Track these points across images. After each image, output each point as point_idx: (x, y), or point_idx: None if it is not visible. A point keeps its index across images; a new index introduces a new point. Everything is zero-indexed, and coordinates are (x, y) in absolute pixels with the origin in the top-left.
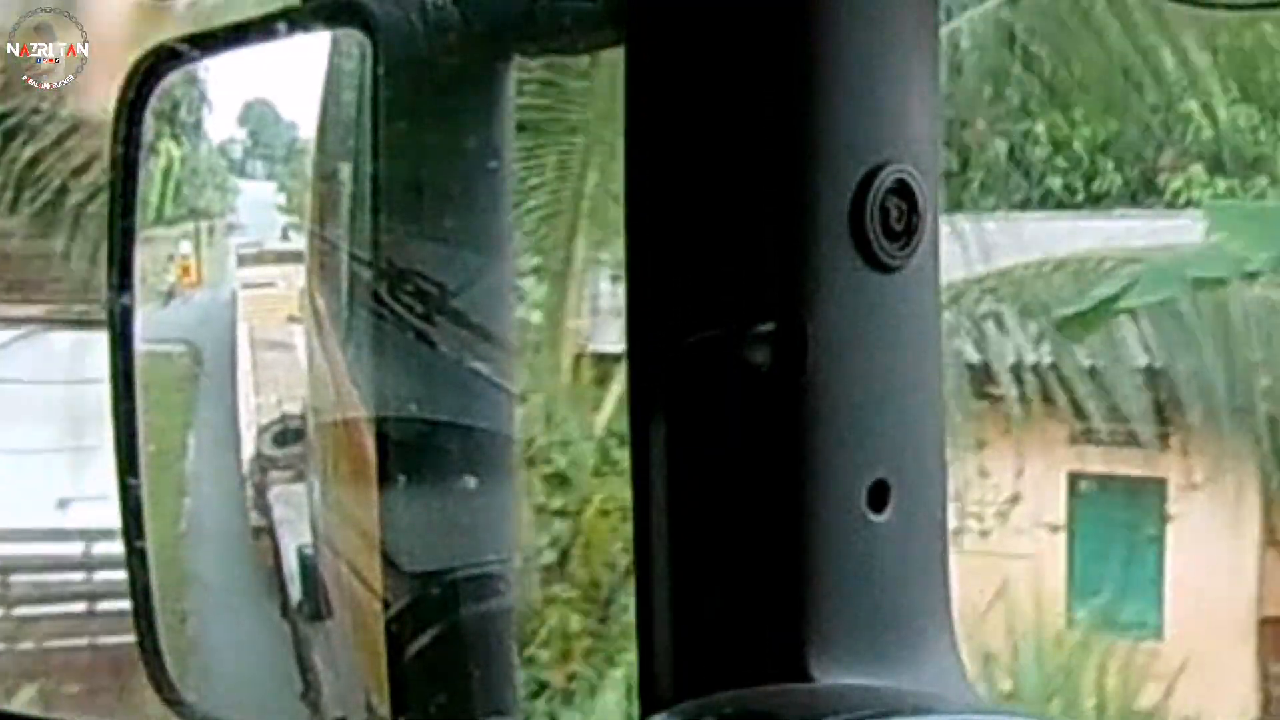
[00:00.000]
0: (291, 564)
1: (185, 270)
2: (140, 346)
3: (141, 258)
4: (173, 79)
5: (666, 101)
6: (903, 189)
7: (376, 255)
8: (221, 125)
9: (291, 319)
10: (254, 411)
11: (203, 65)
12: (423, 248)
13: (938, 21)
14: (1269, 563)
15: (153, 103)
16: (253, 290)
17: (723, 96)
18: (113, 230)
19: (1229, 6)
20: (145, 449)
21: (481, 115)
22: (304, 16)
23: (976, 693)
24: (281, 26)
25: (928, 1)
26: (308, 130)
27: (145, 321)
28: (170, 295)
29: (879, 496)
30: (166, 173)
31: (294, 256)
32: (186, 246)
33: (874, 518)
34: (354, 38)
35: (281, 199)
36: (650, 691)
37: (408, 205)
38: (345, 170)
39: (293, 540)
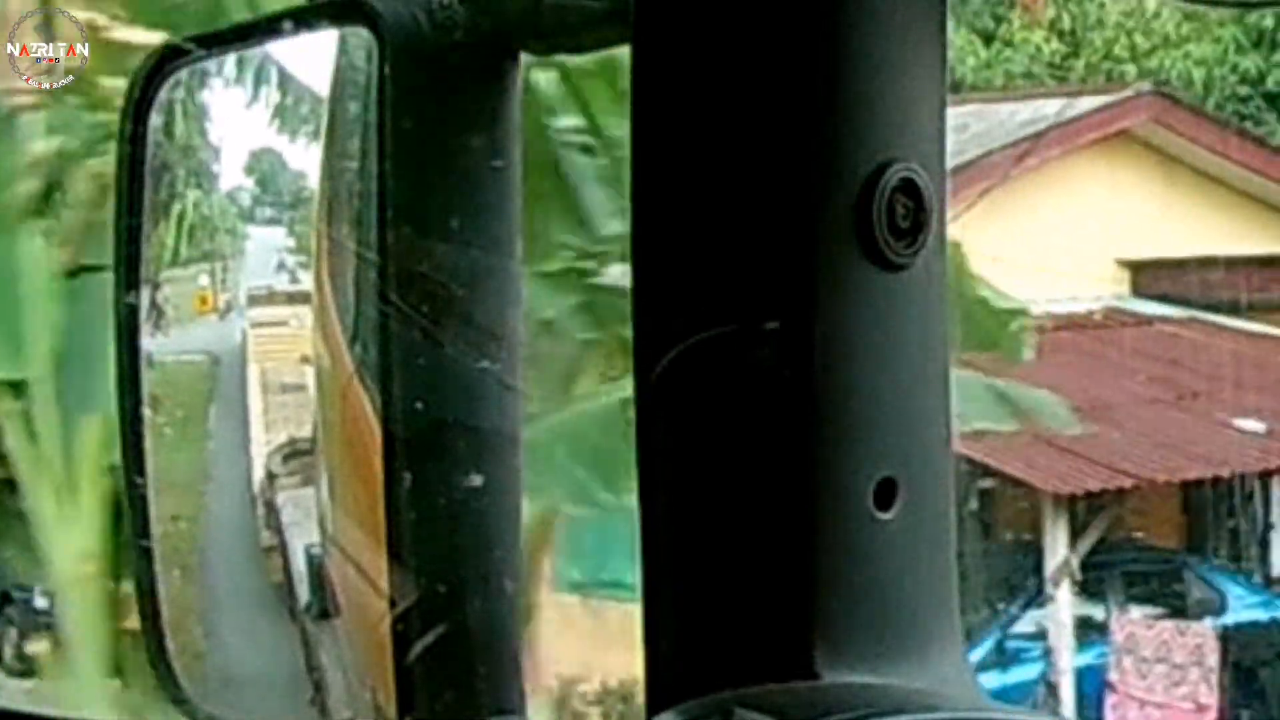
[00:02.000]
0: (300, 565)
1: (204, 300)
2: (170, 357)
3: (168, 291)
4: (179, 78)
5: (672, 100)
6: (909, 187)
7: (383, 253)
8: (231, 175)
9: (304, 359)
10: (265, 445)
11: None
12: (429, 246)
13: (944, 20)
14: None
15: (159, 101)
16: (263, 330)
17: (729, 95)
18: (119, 229)
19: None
20: (152, 448)
21: (488, 114)
22: (310, 16)
23: (983, 691)
24: (288, 25)
25: (934, 0)
26: (313, 179)
27: (175, 338)
28: (193, 319)
29: (886, 494)
30: (181, 217)
31: (304, 298)
32: (205, 280)
33: (881, 516)
34: (360, 37)
35: (291, 242)
36: (656, 689)
37: (414, 204)
38: (352, 168)
39: (301, 542)
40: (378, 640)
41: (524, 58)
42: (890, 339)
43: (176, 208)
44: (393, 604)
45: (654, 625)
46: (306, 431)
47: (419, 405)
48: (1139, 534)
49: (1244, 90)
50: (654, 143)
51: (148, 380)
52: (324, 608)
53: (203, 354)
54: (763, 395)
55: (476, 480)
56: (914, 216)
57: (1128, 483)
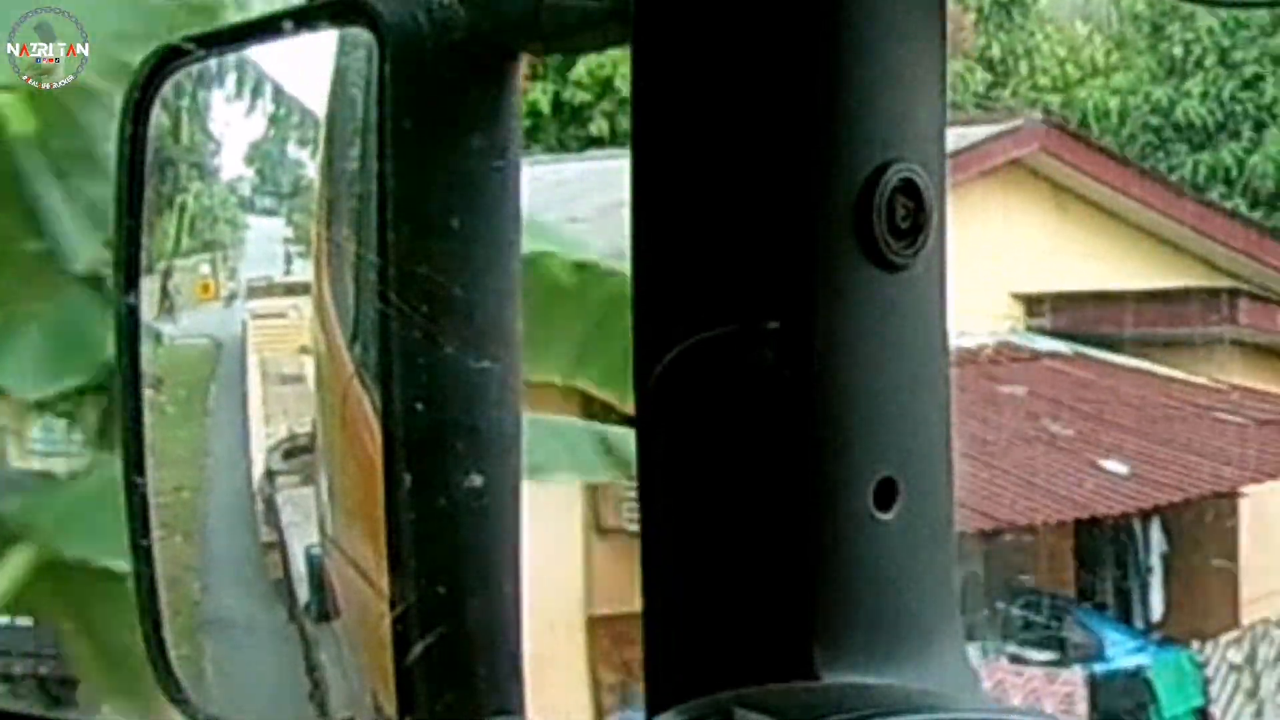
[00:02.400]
0: (299, 566)
1: (205, 288)
2: (175, 341)
3: (174, 279)
4: (179, 79)
5: (673, 100)
6: (909, 188)
7: (383, 253)
8: (231, 165)
9: (303, 350)
10: (264, 439)
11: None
12: (429, 246)
13: (944, 20)
14: (596, 554)
15: (159, 102)
16: (263, 320)
17: (728, 95)
18: (119, 230)
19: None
20: (152, 448)
21: (487, 114)
22: (311, 16)
23: (983, 691)
24: (288, 25)
25: (934, 1)
26: (312, 169)
27: (179, 323)
28: (196, 306)
29: (886, 495)
30: (182, 209)
31: (303, 289)
32: (206, 269)
33: (881, 516)
34: (361, 37)
35: (289, 231)
36: (657, 689)
37: (414, 204)
38: (352, 169)
39: (301, 543)
40: (378, 640)
41: (523, 59)
42: (890, 339)
43: (180, 199)
44: (393, 604)
45: (654, 625)
46: (305, 426)
47: (419, 405)
48: (1023, 576)
49: (1155, 120)
50: (654, 143)
51: (153, 362)
52: (324, 608)
53: (205, 338)
54: (763, 395)
55: (476, 480)
56: (914, 216)
57: (1003, 522)
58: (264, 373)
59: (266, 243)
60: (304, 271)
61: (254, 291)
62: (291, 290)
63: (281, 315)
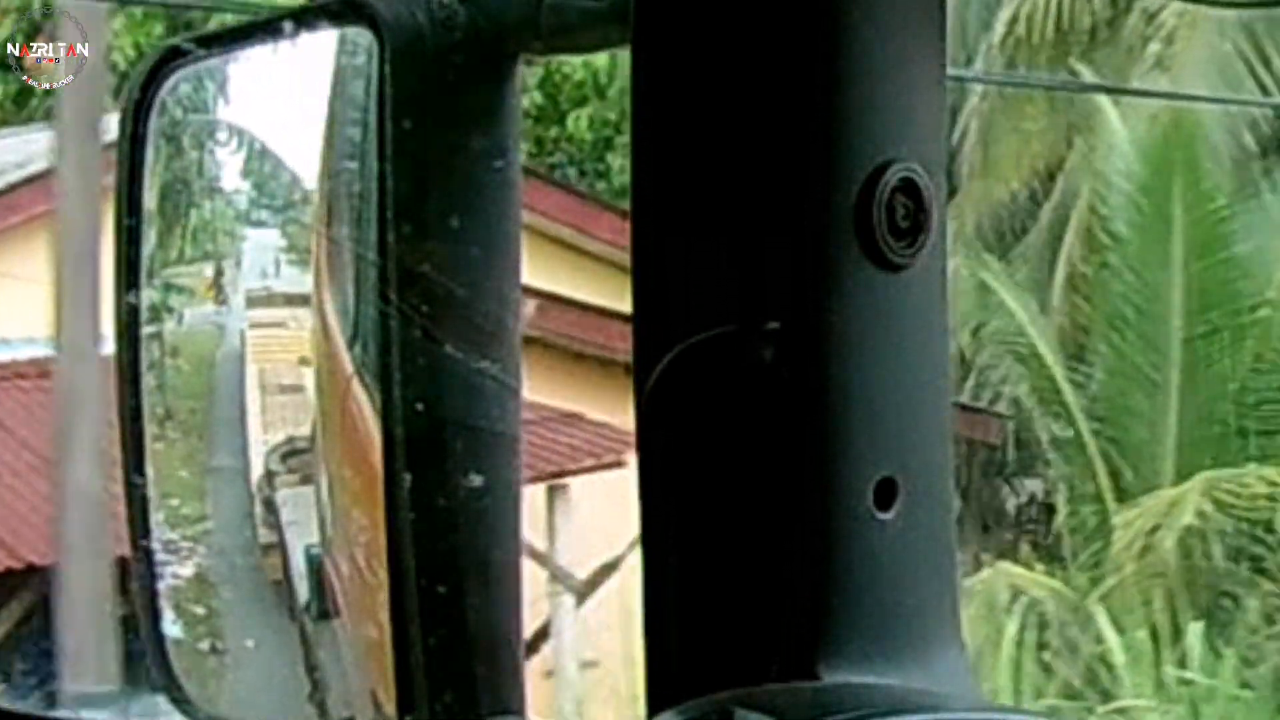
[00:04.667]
0: (299, 565)
1: (209, 287)
2: (186, 327)
3: (183, 281)
4: (179, 78)
5: (673, 100)
6: (909, 187)
7: (383, 254)
8: (230, 179)
9: (302, 361)
10: (262, 445)
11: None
12: (429, 246)
13: (944, 20)
14: None
15: (159, 102)
16: (261, 330)
17: (729, 95)
18: (119, 229)
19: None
20: (152, 448)
21: (487, 114)
22: (311, 16)
23: (982, 690)
24: (288, 26)
25: (933, 1)
26: (308, 183)
27: (189, 315)
28: (200, 302)
29: (886, 494)
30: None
31: (302, 300)
32: (209, 271)
33: (881, 516)
34: (361, 37)
35: (284, 242)
36: (656, 689)
37: (414, 204)
38: (352, 169)
39: (301, 541)
40: (378, 640)
41: (522, 59)
42: (890, 339)
43: (192, 213)
44: (393, 604)
45: (654, 625)
46: (305, 431)
47: (419, 405)
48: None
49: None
50: (654, 143)
51: (169, 340)
52: (324, 608)
53: (210, 324)
54: (763, 395)
55: (476, 480)
56: (914, 216)
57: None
58: (263, 384)
59: (262, 251)
60: (298, 280)
61: (253, 301)
62: (290, 300)
63: (280, 325)
